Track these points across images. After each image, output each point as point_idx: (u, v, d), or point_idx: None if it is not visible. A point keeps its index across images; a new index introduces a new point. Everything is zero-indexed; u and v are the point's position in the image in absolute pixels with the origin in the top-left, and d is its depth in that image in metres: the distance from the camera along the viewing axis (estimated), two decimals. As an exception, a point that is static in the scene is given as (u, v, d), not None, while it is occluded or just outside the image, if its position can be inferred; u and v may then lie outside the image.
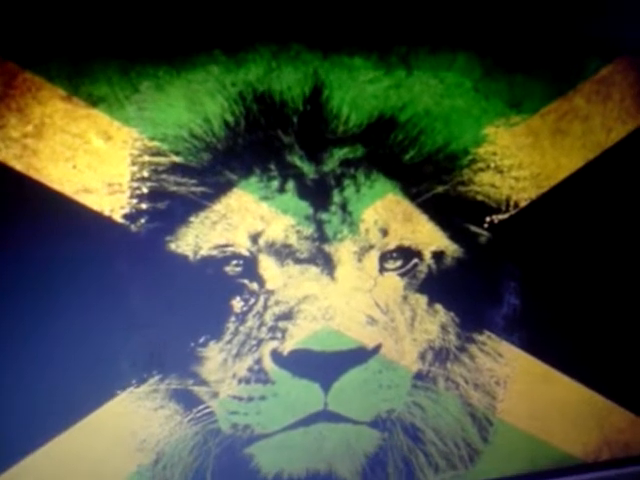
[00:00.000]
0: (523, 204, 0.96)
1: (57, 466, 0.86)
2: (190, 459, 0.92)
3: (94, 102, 0.76)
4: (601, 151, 0.97)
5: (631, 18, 0.93)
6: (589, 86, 0.94)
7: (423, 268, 0.94)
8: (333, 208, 0.88)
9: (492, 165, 0.93)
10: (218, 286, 0.87)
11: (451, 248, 0.94)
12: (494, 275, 0.99)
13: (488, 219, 0.95)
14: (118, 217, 0.81)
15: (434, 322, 0.97)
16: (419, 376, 0.98)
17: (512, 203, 0.95)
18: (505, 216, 0.96)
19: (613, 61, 0.94)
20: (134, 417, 0.88)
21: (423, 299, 0.95)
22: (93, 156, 0.78)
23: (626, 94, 0.96)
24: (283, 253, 0.88)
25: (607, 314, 1.07)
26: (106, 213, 0.80)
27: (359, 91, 0.84)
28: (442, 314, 0.97)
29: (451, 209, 0.93)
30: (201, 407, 0.90)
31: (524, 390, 1.05)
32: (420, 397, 0.99)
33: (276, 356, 0.90)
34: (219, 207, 0.84)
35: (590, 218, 1.01)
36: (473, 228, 0.95)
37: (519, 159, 0.94)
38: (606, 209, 1.02)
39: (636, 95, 0.96)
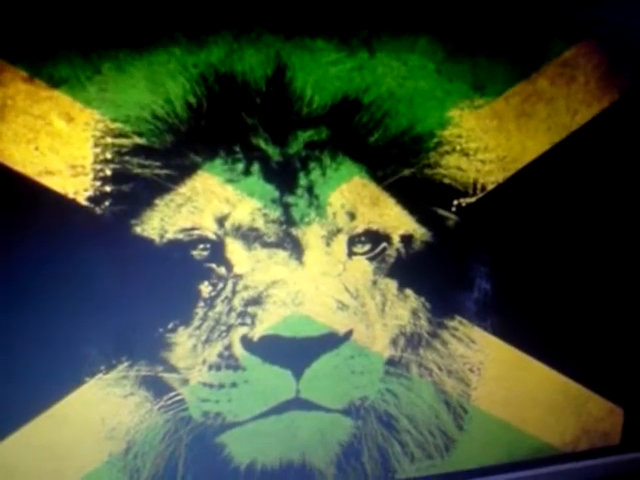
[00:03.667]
0: (490, 187, 0.96)
1: (24, 457, 0.85)
2: (161, 447, 0.91)
3: (56, 83, 0.76)
4: (567, 134, 0.97)
5: (595, 1, 0.94)
6: (553, 69, 0.94)
7: (392, 252, 0.94)
8: (299, 191, 0.88)
9: (458, 148, 0.93)
10: (185, 270, 0.86)
11: (419, 232, 0.94)
12: (464, 259, 0.99)
13: (456, 202, 0.95)
14: (82, 199, 0.80)
15: (405, 307, 0.97)
16: (391, 362, 0.98)
17: (479, 186, 0.95)
18: (472, 199, 0.96)
19: (577, 44, 0.94)
20: (103, 405, 0.87)
21: (393, 284, 0.95)
22: (55, 138, 0.78)
23: (590, 77, 0.96)
24: (250, 237, 0.87)
25: (581, 299, 1.07)
26: (70, 195, 0.80)
27: (322, 73, 0.84)
28: (413, 299, 0.97)
29: (418, 192, 0.93)
30: (171, 394, 0.90)
31: (498, 377, 1.05)
32: (393, 384, 0.99)
33: (246, 342, 0.90)
34: (184, 190, 0.84)
35: (558, 201, 1.01)
36: (441, 211, 0.95)
37: (485, 142, 0.94)
38: (573, 191, 1.02)
39: (600, 78, 0.97)
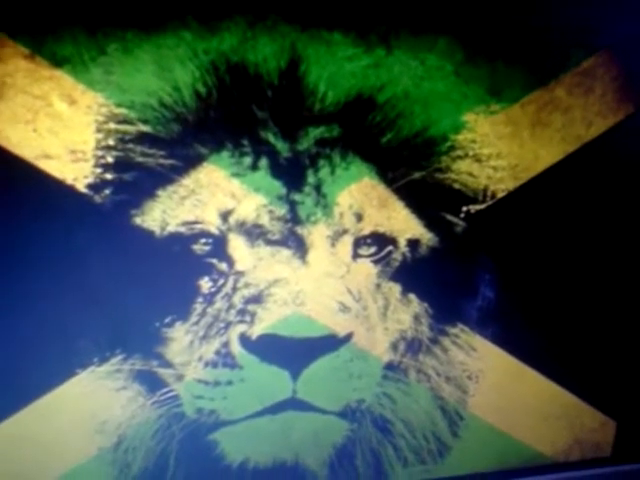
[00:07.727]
0: (500, 195, 0.94)
1: (12, 448, 0.83)
2: (153, 443, 0.89)
3: (58, 62, 0.73)
4: (580, 144, 0.96)
5: (615, 11, 0.92)
6: (571, 78, 0.93)
7: (397, 256, 0.92)
8: (307, 189, 0.85)
9: (470, 153, 0.91)
10: (185, 264, 0.84)
11: (426, 236, 0.93)
12: (469, 267, 0.97)
13: (465, 208, 0.93)
14: (81, 186, 0.77)
15: (407, 312, 0.95)
16: (390, 367, 0.96)
17: (489, 193, 0.94)
18: (482, 206, 0.94)
19: (596, 54, 0.93)
20: (95, 398, 0.85)
21: (396, 288, 0.93)
22: (55, 120, 0.74)
23: (608, 88, 0.95)
24: (254, 233, 0.85)
25: (582, 312, 1.06)
26: (68, 181, 0.77)
27: (337, 68, 0.82)
28: (415, 304, 0.95)
29: (427, 196, 0.91)
30: (165, 390, 0.88)
31: (496, 386, 1.04)
32: (391, 388, 0.98)
33: (244, 340, 0.88)
34: (188, 182, 0.81)
35: (567, 212, 1.00)
36: (449, 217, 0.93)
37: (498, 149, 0.92)
38: (584, 204, 1.00)
39: (617, 90, 0.95)
